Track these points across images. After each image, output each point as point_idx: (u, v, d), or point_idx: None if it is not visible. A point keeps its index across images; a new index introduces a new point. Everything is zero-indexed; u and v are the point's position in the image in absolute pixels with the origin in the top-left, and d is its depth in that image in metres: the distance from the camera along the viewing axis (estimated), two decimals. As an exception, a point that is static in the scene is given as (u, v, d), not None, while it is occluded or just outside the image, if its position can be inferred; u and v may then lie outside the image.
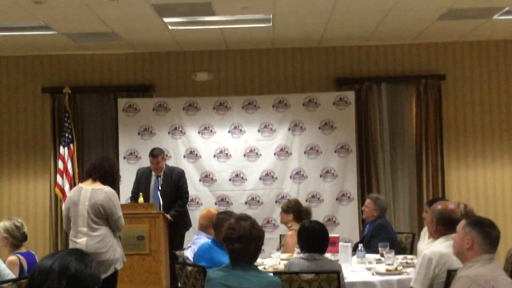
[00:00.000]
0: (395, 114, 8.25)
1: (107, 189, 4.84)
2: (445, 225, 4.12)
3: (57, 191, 7.79)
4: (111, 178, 4.90)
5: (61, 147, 7.85)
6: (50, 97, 8.16)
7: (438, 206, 4.33)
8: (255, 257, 3.26)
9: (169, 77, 8.29)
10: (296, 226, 5.74)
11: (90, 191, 4.83)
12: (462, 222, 3.31)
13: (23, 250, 4.73)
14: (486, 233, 3.18)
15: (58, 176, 7.81)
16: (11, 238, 4.67)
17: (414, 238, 6.16)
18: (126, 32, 7.15)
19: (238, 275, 3.19)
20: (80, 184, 5.12)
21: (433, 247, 4.21)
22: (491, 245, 3.18)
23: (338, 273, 4.05)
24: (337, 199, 7.97)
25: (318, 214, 7.85)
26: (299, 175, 7.99)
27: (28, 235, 7.84)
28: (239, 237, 3.17)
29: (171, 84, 8.29)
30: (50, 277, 1.89)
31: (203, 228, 5.23)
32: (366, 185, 8.15)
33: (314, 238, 4.26)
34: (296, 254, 5.01)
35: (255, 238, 3.20)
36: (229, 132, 8.02)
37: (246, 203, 7.97)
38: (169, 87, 8.28)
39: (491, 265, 3.13)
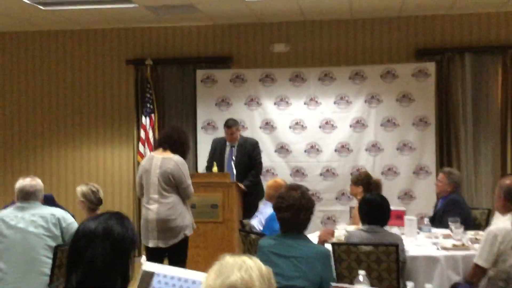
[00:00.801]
0: (478, 87, 7.91)
1: (177, 158, 5.02)
2: (512, 200, 3.98)
3: (139, 159, 8.11)
4: (181, 148, 5.08)
5: (143, 117, 8.17)
6: (134, 69, 8.48)
7: (507, 181, 4.19)
8: (304, 227, 3.31)
9: (247, 49, 8.37)
10: (366, 199, 5.71)
11: (161, 159, 5.02)
12: None
13: (99, 213, 5.00)
14: None
15: (140, 144, 8.14)
16: (87, 202, 4.94)
17: (490, 214, 5.95)
18: (205, 5, 7.28)
19: (287, 244, 3.26)
20: (151, 153, 5.34)
21: (499, 223, 4.10)
22: None
23: (396, 246, 4.02)
24: (414, 172, 7.82)
25: (394, 188, 7.78)
26: (375, 147, 7.89)
27: (111, 201, 8.37)
28: (288, 206, 3.23)
29: (249, 56, 8.37)
30: (94, 241, 1.99)
31: (269, 197, 5.32)
32: (445, 159, 7.92)
33: (375, 210, 4.25)
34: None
35: (304, 208, 3.25)
36: (305, 103, 8.03)
37: (321, 174, 7.98)
38: (247, 58, 8.37)
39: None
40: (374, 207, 4.25)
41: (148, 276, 2.28)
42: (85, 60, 8.64)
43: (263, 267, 1.57)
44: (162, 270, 2.30)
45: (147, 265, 2.33)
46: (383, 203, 4.30)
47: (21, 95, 8.75)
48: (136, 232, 2.12)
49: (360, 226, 4.89)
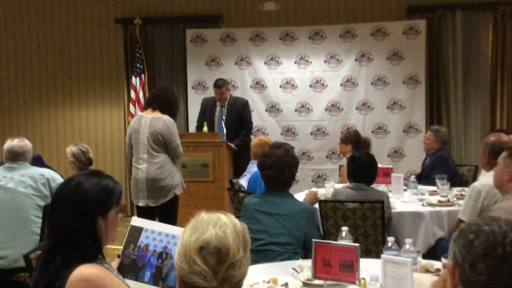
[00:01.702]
0: (469, 44, 7.90)
1: (166, 117, 5.02)
2: (496, 157, 4.01)
3: (130, 119, 8.09)
4: (170, 108, 5.07)
5: (133, 77, 8.14)
6: (122, 28, 8.40)
7: (491, 137, 4.23)
8: (288, 184, 3.35)
9: (237, 7, 8.29)
10: (355, 157, 5.75)
11: (150, 119, 5.03)
12: (503, 154, 3.24)
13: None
14: None
15: (130, 105, 8.13)
16: (77, 162, 4.96)
17: (477, 171, 6.01)
18: (192, -38, 7.18)
19: (271, 201, 3.31)
20: (140, 113, 5.34)
21: (483, 179, 4.15)
22: None
23: (382, 203, 4.08)
24: (404, 131, 7.86)
25: (384, 146, 7.84)
26: (365, 106, 7.91)
27: (103, 161, 8.39)
28: (271, 164, 3.27)
29: (239, 15, 8.30)
30: (59, 206, 2.05)
31: (255, 156, 5.34)
32: (435, 117, 7.96)
33: (362, 168, 4.28)
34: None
35: (287, 165, 3.28)
36: (295, 62, 8.00)
37: (311, 133, 8.02)
38: (237, 17, 8.30)
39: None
40: (361, 165, 4.29)
41: (137, 231, 2.33)
42: (73, 20, 8.55)
43: (238, 224, 1.59)
44: (150, 225, 2.35)
45: (135, 221, 2.39)
46: (370, 161, 4.33)
47: (10, 57, 8.68)
48: (109, 190, 2.09)
49: (348, 184, 4.95)
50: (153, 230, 2.32)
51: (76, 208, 2.02)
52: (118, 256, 2.35)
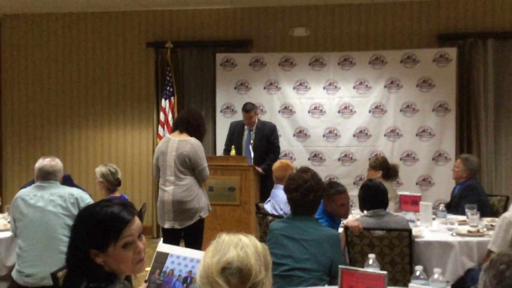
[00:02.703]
0: (501, 72, 7.82)
1: (193, 140, 5.05)
2: (528, 187, 3.95)
3: (159, 141, 8.18)
4: (197, 130, 5.11)
5: (163, 100, 8.23)
6: (154, 52, 8.52)
7: (523, 168, 4.14)
8: (313, 208, 3.33)
9: (267, 32, 8.36)
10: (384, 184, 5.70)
11: (177, 142, 5.06)
12: None
13: (117, 194, 5.07)
14: None
15: (159, 127, 8.21)
16: (106, 182, 5.01)
17: (508, 201, 5.90)
18: (224, -12, 7.28)
19: (297, 226, 3.29)
20: (168, 135, 5.38)
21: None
22: None
23: (409, 231, 4.02)
24: (433, 159, 7.77)
25: (413, 174, 7.76)
26: (394, 133, 7.86)
27: (131, 183, 8.47)
28: (297, 187, 3.26)
29: (269, 39, 8.36)
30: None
31: (278, 180, 5.34)
32: (465, 145, 7.86)
33: (376, 195, 4.27)
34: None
35: (314, 189, 3.28)
36: (324, 88, 8.01)
37: (339, 159, 7.98)
38: (267, 42, 8.36)
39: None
40: (375, 192, 4.28)
41: (163, 257, 2.35)
42: (106, 43, 8.71)
43: (259, 244, 1.59)
44: (176, 251, 2.38)
45: (161, 247, 2.40)
46: (382, 187, 4.34)
47: (43, 78, 8.86)
48: (104, 224, 1.96)
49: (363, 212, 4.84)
50: (179, 255, 2.35)
51: (70, 239, 2.00)
52: (145, 281, 2.35)
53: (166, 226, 5.13)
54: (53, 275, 2.75)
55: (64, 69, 8.81)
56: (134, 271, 2.03)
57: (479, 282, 1.58)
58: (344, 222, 4.47)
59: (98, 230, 1.94)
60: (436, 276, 2.67)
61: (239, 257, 1.50)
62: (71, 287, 1.96)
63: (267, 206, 5.33)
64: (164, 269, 2.33)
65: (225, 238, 1.58)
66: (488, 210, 5.54)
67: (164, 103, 8.20)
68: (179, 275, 2.29)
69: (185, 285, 2.26)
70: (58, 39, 8.81)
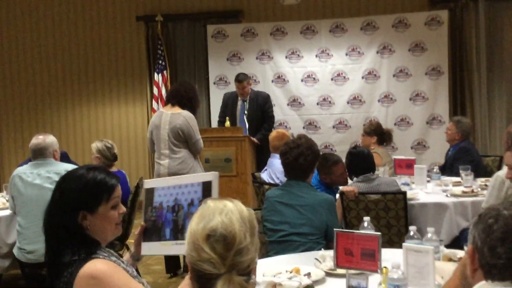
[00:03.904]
0: (492, 34, 7.81)
1: (185, 113, 5.06)
2: (520, 146, 3.98)
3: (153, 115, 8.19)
4: (189, 103, 5.11)
5: (155, 74, 8.21)
6: (144, 26, 8.48)
7: (514, 127, 4.18)
8: (304, 173, 3.37)
9: (257, 2, 8.31)
10: (378, 149, 5.74)
11: (170, 115, 5.07)
12: (508, 153, 3.23)
13: (114, 169, 5.10)
14: None
15: (153, 101, 8.21)
16: (103, 158, 5.03)
17: (502, 162, 5.94)
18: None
19: (292, 193, 3.34)
20: (161, 109, 5.38)
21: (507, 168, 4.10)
22: None
23: (404, 194, 4.07)
24: (427, 122, 7.81)
25: (407, 138, 7.81)
26: (387, 98, 7.87)
27: (127, 157, 8.50)
28: (290, 150, 3.33)
29: (259, 9, 8.31)
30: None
31: (274, 149, 5.36)
32: (459, 108, 7.89)
33: (363, 161, 4.33)
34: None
35: (304, 154, 3.34)
36: (316, 56, 8.00)
37: (333, 127, 8.01)
38: (257, 12, 8.32)
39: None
40: (361, 158, 4.35)
41: (150, 193, 2.39)
42: (96, 18, 8.65)
43: (244, 210, 1.60)
44: (160, 183, 2.41)
45: (147, 183, 2.45)
46: (367, 152, 4.45)
47: (34, 54, 8.82)
48: (95, 184, 2.04)
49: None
50: (163, 187, 2.37)
51: (57, 204, 2.01)
52: (142, 223, 2.38)
53: (164, 198, 5.16)
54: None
55: (55, 45, 8.76)
56: (115, 233, 2.11)
57: (469, 237, 1.62)
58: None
59: (92, 190, 2.03)
60: (429, 235, 2.72)
61: (223, 223, 1.52)
62: (54, 261, 1.98)
63: (264, 175, 5.37)
64: (154, 204, 2.35)
65: (210, 204, 1.59)
66: (482, 170, 5.59)
67: (157, 77, 8.19)
68: (168, 206, 2.30)
69: (174, 214, 2.27)
70: (48, 16, 8.74)
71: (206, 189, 2.25)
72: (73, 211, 1.99)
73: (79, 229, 2.00)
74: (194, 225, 1.56)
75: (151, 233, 2.33)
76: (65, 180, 2.06)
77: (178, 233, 2.25)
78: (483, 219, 1.56)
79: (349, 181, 4.83)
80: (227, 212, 1.54)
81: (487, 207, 1.61)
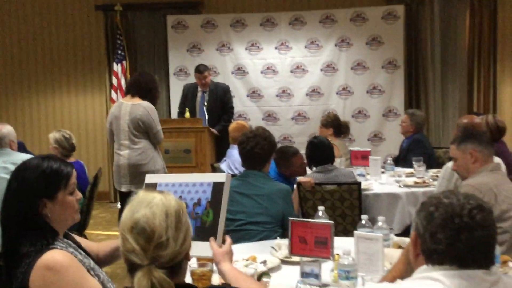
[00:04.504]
0: (447, 28, 8.04)
1: (146, 103, 5.06)
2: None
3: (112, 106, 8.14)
4: (149, 94, 5.11)
5: (115, 64, 8.16)
6: (103, 15, 8.41)
7: (464, 119, 4.35)
8: (260, 162, 3.46)
9: (218, -7, 8.33)
10: (335, 141, 5.86)
11: (130, 106, 5.07)
12: (452, 146, 3.37)
13: (72, 159, 5.08)
14: (480, 140, 3.24)
15: (112, 91, 8.16)
16: (60, 148, 5.02)
17: (453, 154, 6.14)
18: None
19: (249, 183, 3.41)
20: (120, 100, 5.37)
21: (454, 161, 4.26)
22: (488, 147, 3.23)
23: (359, 184, 4.19)
24: (383, 115, 7.99)
25: (364, 130, 7.97)
26: (345, 91, 8.02)
27: (86, 148, 8.43)
28: (247, 139, 3.40)
29: (220, 1, 8.34)
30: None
31: (234, 140, 5.42)
32: (414, 100, 8.10)
33: (323, 151, 4.44)
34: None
35: (261, 144, 3.42)
36: (276, 48, 8.08)
37: (292, 118, 8.11)
38: (217, 3, 8.34)
39: (495, 174, 3.19)
40: (321, 148, 4.45)
41: (151, 188, 2.29)
42: (53, 7, 8.54)
43: (173, 204, 1.62)
44: (164, 179, 2.38)
45: (149, 178, 2.40)
46: (327, 143, 4.52)
47: (-10, 44, 8.65)
48: (52, 172, 2.07)
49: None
50: (167, 183, 2.33)
51: (15, 193, 2.03)
52: None
53: (123, 189, 5.18)
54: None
55: (11, 35, 8.60)
56: (75, 219, 2.15)
57: (412, 224, 1.72)
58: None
59: (50, 177, 2.05)
60: (380, 223, 2.84)
61: (145, 217, 1.56)
62: (12, 252, 1.99)
63: (223, 166, 5.43)
64: None
65: (140, 196, 1.63)
66: (434, 162, 5.77)
67: (116, 67, 8.14)
68: None
69: None
70: (3, 3, 8.57)
71: (217, 190, 2.22)
72: (33, 199, 2.02)
73: (39, 217, 2.02)
74: (124, 215, 1.60)
75: None
76: (21, 170, 2.07)
77: None
78: (425, 207, 1.66)
79: (308, 171, 4.94)
80: (152, 205, 1.58)
81: (428, 196, 1.71)
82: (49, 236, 2.02)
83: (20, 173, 2.07)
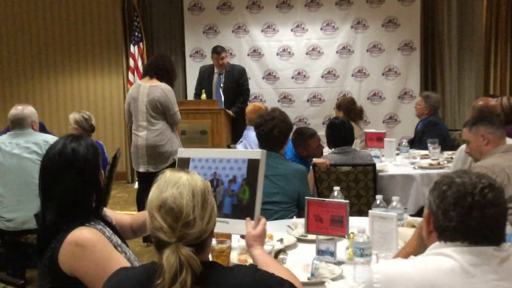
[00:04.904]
0: (464, 10, 7.99)
1: (163, 85, 5.13)
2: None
3: (129, 87, 8.19)
4: (167, 75, 5.18)
5: (131, 46, 8.23)
6: (120, -3, 8.46)
7: (479, 102, 4.37)
8: (278, 144, 3.52)
9: (234, -25, 8.33)
10: (349, 124, 5.89)
11: (148, 87, 5.15)
12: (465, 129, 3.40)
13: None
14: (491, 122, 3.27)
15: (129, 73, 8.24)
16: (80, 129, 5.08)
17: (468, 136, 6.14)
18: None
19: (266, 163, 3.44)
20: (138, 81, 5.45)
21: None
22: (500, 129, 3.26)
23: (373, 165, 4.24)
24: (399, 97, 8.01)
25: (379, 112, 7.99)
26: (361, 73, 8.03)
27: (103, 129, 8.54)
28: (264, 122, 3.45)
29: (236, -18, 8.34)
30: (60, 175, 2.11)
31: (251, 122, 5.47)
32: (430, 83, 8.09)
33: (341, 132, 4.47)
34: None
35: (278, 126, 3.47)
36: (291, 30, 8.10)
37: (308, 100, 8.15)
38: (234, -15, 8.35)
39: (507, 155, 3.22)
40: (341, 130, 4.48)
41: (184, 162, 2.27)
42: (71, -11, 8.59)
43: (199, 184, 1.67)
44: (197, 153, 2.30)
45: (181, 152, 2.35)
46: (347, 124, 4.54)
47: (8, 27, 8.74)
48: (96, 147, 2.20)
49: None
50: (200, 158, 2.25)
51: (81, 171, 2.12)
52: None
53: (141, 170, 5.27)
54: (37, 216, 2.87)
55: (29, 17, 8.69)
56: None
57: (425, 202, 1.77)
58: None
59: (98, 154, 2.19)
60: (394, 203, 2.89)
61: (173, 196, 1.61)
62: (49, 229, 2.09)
63: (239, 147, 5.50)
64: None
65: (167, 175, 1.67)
66: (449, 144, 5.79)
67: (133, 49, 8.21)
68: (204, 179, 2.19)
69: (212, 189, 2.11)
70: (22, -14, 8.65)
71: (252, 167, 2.15)
72: (96, 175, 2.17)
73: (101, 190, 2.20)
74: (151, 194, 1.65)
75: None
76: (76, 150, 2.13)
77: None
78: (438, 186, 1.72)
79: (326, 151, 4.98)
80: (179, 185, 1.63)
81: (442, 175, 1.76)
82: (91, 213, 2.15)
83: (77, 155, 2.12)
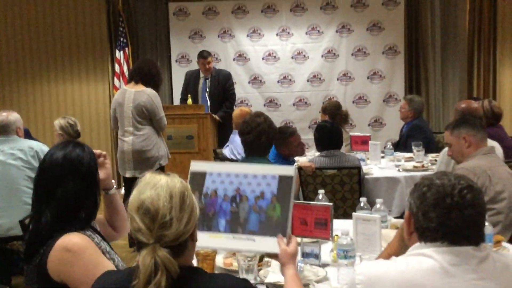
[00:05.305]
0: (447, 14, 8.08)
1: (149, 90, 5.14)
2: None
3: (115, 93, 8.19)
4: (152, 80, 5.19)
5: (117, 51, 8.22)
6: (105, 2, 8.44)
7: (462, 104, 4.42)
8: (265, 150, 3.54)
9: (219, -20, 8.36)
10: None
11: (134, 93, 5.15)
12: (447, 132, 3.44)
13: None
14: (473, 125, 3.32)
15: (115, 78, 8.23)
16: (65, 134, 5.09)
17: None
18: None
19: (251, 167, 3.49)
20: (124, 87, 5.45)
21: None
22: (481, 131, 3.31)
23: (358, 168, 4.28)
24: (384, 100, 8.07)
25: (365, 115, 8.05)
26: (346, 76, 8.09)
27: (89, 134, 8.50)
28: (251, 130, 3.46)
29: (221, -13, 8.37)
30: (63, 177, 2.14)
31: (237, 126, 5.48)
32: (414, 86, 8.17)
33: (329, 135, 4.50)
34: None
35: (266, 132, 3.48)
36: (277, 35, 8.14)
37: (293, 104, 8.19)
38: (219, -10, 8.38)
39: (489, 157, 3.27)
40: (329, 133, 4.50)
41: (199, 177, 2.12)
42: (56, -5, 8.57)
43: (178, 186, 1.67)
44: (214, 168, 2.15)
45: (195, 165, 2.16)
46: (335, 128, 4.57)
47: (-7, 32, 8.70)
48: (95, 156, 2.29)
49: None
50: (219, 172, 2.11)
51: (85, 177, 2.17)
52: None
53: (127, 175, 5.28)
54: (22, 222, 2.88)
55: (13, 22, 8.65)
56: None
57: (406, 204, 1.81)
58: (298, 163, 4.69)
59: (96, 161, 2.29)
60: (378, 205, 2.93)
61: (150, 198, 1.63)
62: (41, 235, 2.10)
63: (226, 151, 5.52)
64: (204, 190, 2.08)
65: (147, 177, 1.70)
66: (433, 146, 5.85)
67: (119, 54, 8.20)
68: (225, 195, 2.06)
69: (234, 205, 2.04)
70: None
71: (284, 184, 2.02)
72: (96, 182, 2.24)
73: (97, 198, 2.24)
74: (131, 196, 1.67)
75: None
76: (80, 156, 2.20)
77: (238, 226, 2.03)
78: (418, 187, 1.75)
79: (313, 154, 5.00)
80: (157, 187, 1.64)
81: (422, 177, 1.80)
82: (85, 220, 2.18)
83: (82, 161, 2.18)
